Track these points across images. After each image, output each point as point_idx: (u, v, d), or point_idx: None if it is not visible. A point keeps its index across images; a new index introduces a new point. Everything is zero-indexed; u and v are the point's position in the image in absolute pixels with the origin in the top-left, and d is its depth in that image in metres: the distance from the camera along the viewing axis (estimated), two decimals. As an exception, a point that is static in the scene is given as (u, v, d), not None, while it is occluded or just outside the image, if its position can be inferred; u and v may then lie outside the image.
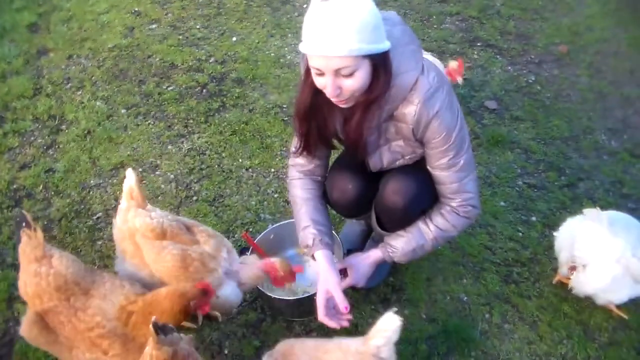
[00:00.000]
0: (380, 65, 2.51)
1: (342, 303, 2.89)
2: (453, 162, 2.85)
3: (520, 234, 4.06)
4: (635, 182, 4.62)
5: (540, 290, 3.73)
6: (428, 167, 2.95)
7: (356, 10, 2.32)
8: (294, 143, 3.05)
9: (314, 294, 3.07)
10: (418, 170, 2.99)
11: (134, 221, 2.97)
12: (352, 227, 3.79)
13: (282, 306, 3.39)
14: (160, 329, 2.27)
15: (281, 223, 3.66)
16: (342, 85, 2.49)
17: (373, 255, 3.16)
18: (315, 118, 2.82)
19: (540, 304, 3.65)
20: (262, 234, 3.57)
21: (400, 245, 3.09)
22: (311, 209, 3.11)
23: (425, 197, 3.05)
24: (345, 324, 2.97)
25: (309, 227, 3.05)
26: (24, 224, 2.79)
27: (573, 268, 3.46)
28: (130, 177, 3.03)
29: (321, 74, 2.47)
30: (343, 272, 3.15)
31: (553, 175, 4.54)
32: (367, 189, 3.19)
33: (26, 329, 2.79)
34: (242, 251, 3.44)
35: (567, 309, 3.61)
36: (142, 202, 3.04)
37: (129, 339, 2.68)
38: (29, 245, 2.77)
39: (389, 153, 2.98)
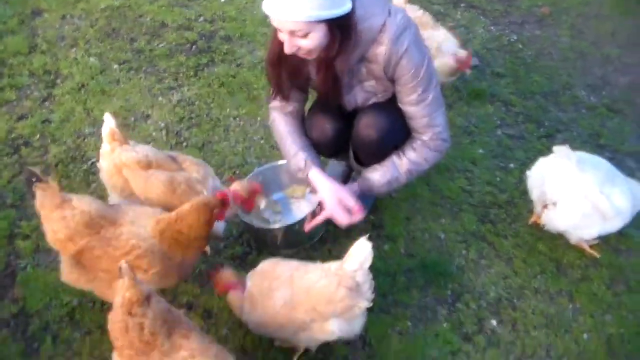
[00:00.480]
0: (336, 27, 2.71)
1: (350, 202, 3.11)
2: (422, 97, 3.03)
3: (498, 179, 4.22)
4: (612, 135, 4.78)
5: (516, 231, 3.89)
6: (399, 104, 3.14)
7: None
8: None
9: (296, 223, 3.27)
10: (390, 106, 3.18)
11: (119, 157, 3.14)
12: (334, 168, 3.95)
13: (268, 237, 3.51)
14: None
15: (268, 165, 3.80)
16: (298, 44, 2.72)
17: (350, 188, 3.29)
18: (285, 66, 3.03)
19: (515, 243, 3.82)
20: (250, 175, 3.70)
21: (376, 177, 3.25)
22: (297, 137, 3.31)
23: (398, 132, 3.23)
24: (359, 217, 3.15)
25: (298, 153, 3.24)
26: (34, 180, 2.83)
27: (545, 206, 3.60)
28: (109, 121, 3.18)
29: (280, 31, 2.71)
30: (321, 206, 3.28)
31: (531, 127, 4.70)
32: (344, 127, 3.37)
33: (67, 273, 2.90)
34: None
35: (542, 247, 3.78)
36: (124, 141, 3.20)
37: (166, 256, 2.84)
38: (46, 197, 2.80)
39: (362, 92, 3.18)
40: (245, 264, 3.54)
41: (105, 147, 3.20)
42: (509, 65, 5.35)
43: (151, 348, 2.35)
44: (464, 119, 4.67)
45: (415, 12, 4.56)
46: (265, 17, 5.36)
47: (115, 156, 3.15)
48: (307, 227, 3.28)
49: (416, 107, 3.07)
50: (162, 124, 4.45)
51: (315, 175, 3.19)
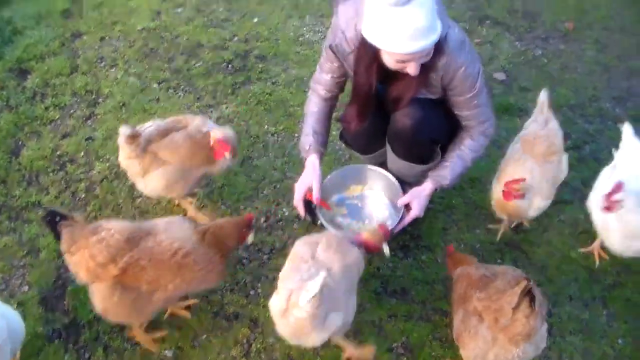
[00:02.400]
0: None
1: (316, 195, 3.45)
2: (479, 102, 3.34)
3: (530, 190, 4.32)
4: None
5: (548, 239, 4.02)
6: (456, 112, 3.43)
7: (429, 5, 2.79)
8: (320, 73, 3.56)
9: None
10: (426, 101, 3.38)
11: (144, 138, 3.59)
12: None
13: None
14: None
15: (331, 174, 3.84)
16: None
17: (428, 187, 3.52)
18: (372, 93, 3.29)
19: (548, 251, 3.95)
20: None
21: (447, 173, 3.49)
22: (314, 120, 3.61)
23: (434, 123, 3.45)
24: (302, 213, 3.52)
25: (309, 135, 3.56)
26: (57, 219, 2.94)
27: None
28: (125, 130, 3.50)
29: (404, 62, 2.97)
30: (407, 207, 3.50)
31: (559, 139, 4.80)
32: (378, 121, 3.56)
33: (104, 301, 2.99)
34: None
35: (574, 255, 3.90)
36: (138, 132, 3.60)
37: (209, 254, 3.07)
38: (75, 230, 2.92)
39: None
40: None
41: (125, 149, 3.60)
42: (534, 80, 5.46)
43: None
44: (495, 133, 4.76)
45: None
46: (297, 37, 5.64)
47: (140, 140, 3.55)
48: (397, 228, 3.51)
49: (474, 110, 3.38)
50: (203, 141, 4.58)
51: (309, 161, 3.52)
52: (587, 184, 4.40)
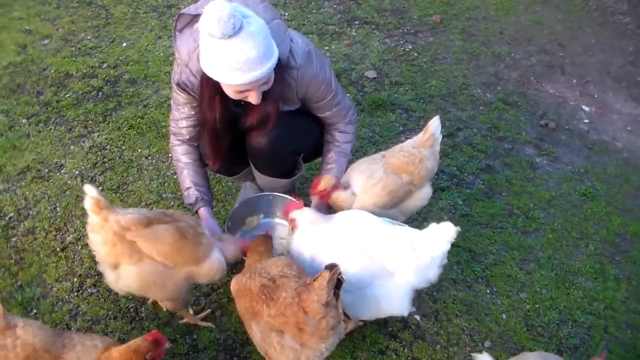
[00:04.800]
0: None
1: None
2: (337, 100, 3.42)
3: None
4: (509, 126, 5.10)
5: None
6: (318, 115, 3.49)
7: (260, 34, 2.75)
8: (176, 109, 3.43)
9: None
10: (283, 114, 3.31)
11: (119, 223, 2.93)
12: (246, 192, 4.11)
13: None
14: None
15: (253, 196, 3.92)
16: (262, 90, 2.99)
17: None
18: (223, 124, 3.25)
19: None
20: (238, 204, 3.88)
21: (336, 171, 3.56)
22: (192, 172, 3.54)
23: (292, 136, 3.43)
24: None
25: (190, 189, 3.51)
26: None
27: None
28: (90, 191, 2.87)
29: (246, 91, 2.94)
30: None
31: (433, 129, 4.93)
32: (236, 142, 3.50)
33: None
34: None
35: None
36: (111, 206, 2.99)
37: None
38: None
39: None
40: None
41: (94, 219, 2.92)
42: (406, 74, 5.61)
43: None
44: (368, 129, 4.86)
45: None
46: (167, 57, 5.59)
47: (113, 223, 2.92)
48: None
49: (335, 109, 3.46)
50: (77, 172, 4.48)
51: (202, 214, 3.49)
52: (462, 169, 4.57)
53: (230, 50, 2.70)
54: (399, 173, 3.40)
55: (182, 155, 3.54)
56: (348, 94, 3.69)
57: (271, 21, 2.97)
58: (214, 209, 3.73)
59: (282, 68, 3.03)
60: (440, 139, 3.51)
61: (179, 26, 3.12)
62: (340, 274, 2.61)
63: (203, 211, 3.49)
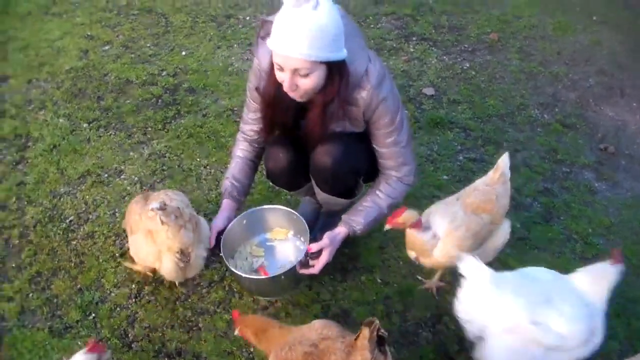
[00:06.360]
0: (335, 71, 2.91)
1: (212, 242, 3.41)
2: (397, 139, 3.27)
3: (464, 202, 4.38)
4: (568, 149, 5.03)
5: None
6: (374, 146, 3.35)
7: (320, 20, 2.70)
8: (247, 114, 3.51)
9: (280, 274, 3.30)
10: (349, 135, 3.31)
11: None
12: (305, 206, 4.10)
13: (251, 285, 3.53)
14: None
15: (252, 210, 3.75)
16: (298, 83, 2.88)
17: (341, 232, 3.41)
18: (279, 106, 3.19)
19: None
20: (235, 219, 3.65)
21: (361, 218, 3.40)
22: (238, 166, 3.61)
23: (355, 159, 3.38)
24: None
25: (228, 179, 3.58)
26: None
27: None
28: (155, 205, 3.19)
29: (281, 69, 2.86)
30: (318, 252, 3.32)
31: (491, 149, 4.91)
32: (300, 158, 3.47)
33: None
34: None
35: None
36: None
37: None
38: None
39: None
40: (228, 307, 3.67)
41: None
42: (463, 92, 5.58)
43: None
44: (427, 148, 4.85)
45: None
46: (226, 67, 5.66)
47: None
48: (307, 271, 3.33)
49: (392, 148, 3.30)
50: (136, 178, 4.56)
51: (222, 205, 3.56)
52: (520, 191, 4.51)
53: (289, 15, 2.69)
54: (479, 213, 3.35)
55: (239, 150, 3.63)
56: (410, 121, 3.52)
57: (353, 38, 2.96)
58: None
59: (354, 86, 3.01)
60: (509, 175, 3.48)
61: (262, 33, 3.08)
62: (379, 329, 2.45)
63: (225, 203, 3.55)
